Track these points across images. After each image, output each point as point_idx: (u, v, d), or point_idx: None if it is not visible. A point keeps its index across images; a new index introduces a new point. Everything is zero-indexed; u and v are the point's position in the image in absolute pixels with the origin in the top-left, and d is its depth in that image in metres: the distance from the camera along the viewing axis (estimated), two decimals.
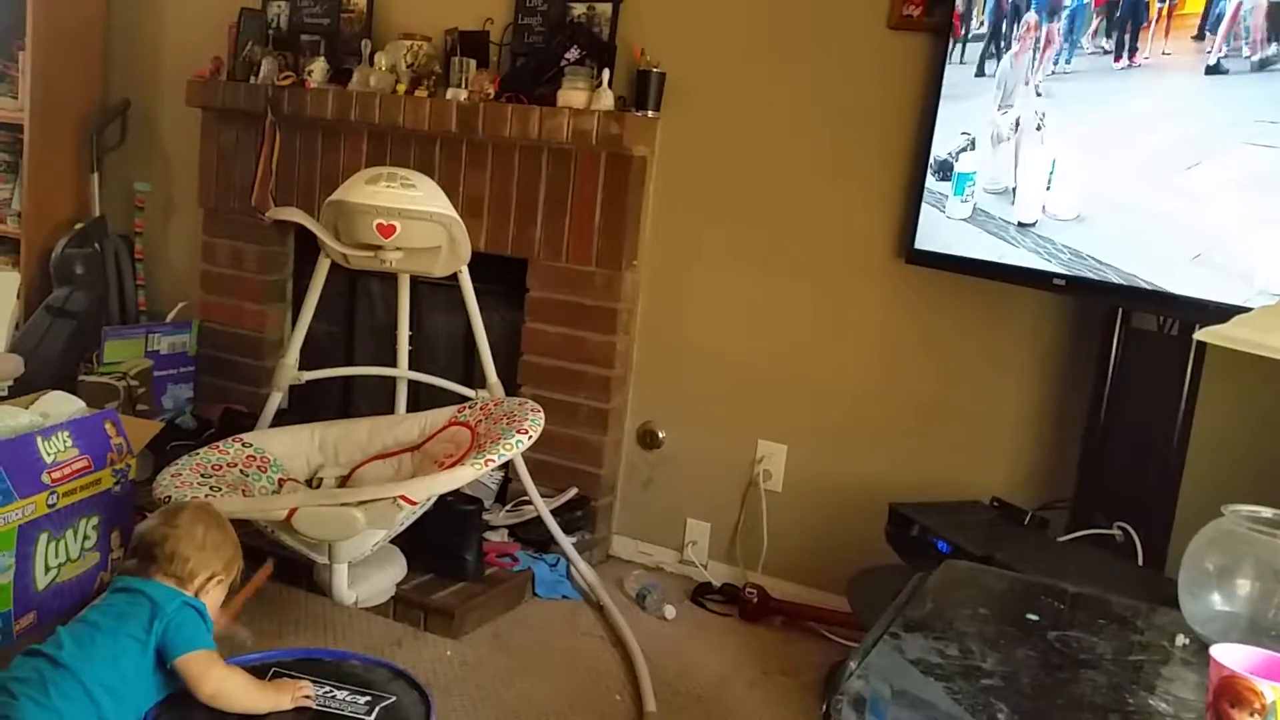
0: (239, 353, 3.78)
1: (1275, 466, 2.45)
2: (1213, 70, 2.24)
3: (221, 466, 2.68)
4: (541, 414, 2.66)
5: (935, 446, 2.88)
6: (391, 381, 3.21)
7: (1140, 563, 2.34)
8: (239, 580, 2.04)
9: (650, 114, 3.07)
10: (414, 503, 2.44)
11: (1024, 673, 1.35)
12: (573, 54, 3.13)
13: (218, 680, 1.82)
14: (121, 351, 3.63)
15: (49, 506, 2.35)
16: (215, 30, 3.73)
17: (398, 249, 2.78)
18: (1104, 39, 2.40)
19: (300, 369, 3.07)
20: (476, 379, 3.11)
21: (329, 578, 2.53)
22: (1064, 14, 2.46)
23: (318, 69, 3.47)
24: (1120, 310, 2.45)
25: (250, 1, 3.71)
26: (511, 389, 3.17)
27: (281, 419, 3.08)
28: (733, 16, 3.05)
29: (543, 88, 3.14)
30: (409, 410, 3.14)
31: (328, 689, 1.91)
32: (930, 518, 2.51)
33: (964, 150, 2.66)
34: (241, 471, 2.71)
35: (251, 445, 2.79)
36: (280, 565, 2.57)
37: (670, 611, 2.92)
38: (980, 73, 2.63)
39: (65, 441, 2.43)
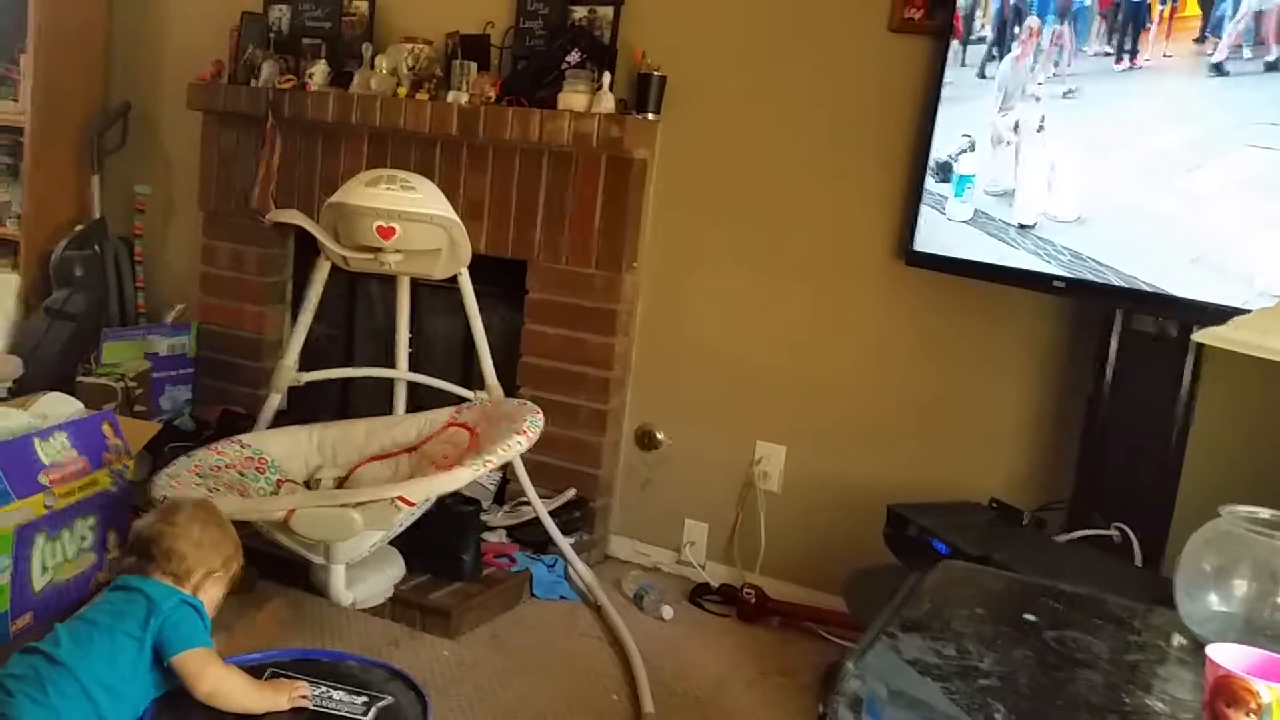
0: (238, 354, 3.78)
1: (1272, 467, 2.45)
2: (1214, 72, 2.24)
3: (219, 468, 2.68)
4: (540, 415, 2.66)
5: (933, 447, 2.88)
6: (390, 383, 3.21)
7: (1137, 563, 2.34)
8: (238, 577, 2.04)
9: (651, 117, 3.07)
10: (412, 504, 2.43)
11: (1021, 673, 1.35)
12: (573, 57, 3.13)
13: (214, 678, 1.82)
14: (120, 353, 3.64)
15: (46, 507, 2.35)
16: (216, 33, 3.74)
17: (397, 251, 2.78)
18: (1105, 41, 2.40)
19: (299, 370, 3.08)
20: (475, 380, 3.11)
21: (327, 578, 2.53)
22: (1067, 16, 2.46)
23: (319, 72, 3.47)
24: (1119, 312, 2.45)
25: (252, 5, 3.71)
26: (510, 390, 3.17)
27: (280, 420, 3.08)
28: (733, 19, 3.05)
29: (543, 91, 3.15)
30: (408, 411, 3.14)
31: (324, 689, 1.91)
32: (928, 518, 2.50)
33: (964, 152, 2.66)
34: (239, 473, 2.71)
35: (249, 446, 2.80)
36: (278, 566, 2.58)
37: (668, 612, 2.92)
38: (981, 75, 2.63)
39: (63, 443, 2.42)
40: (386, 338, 3.30)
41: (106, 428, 2.56)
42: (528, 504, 3.03)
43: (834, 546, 2.94)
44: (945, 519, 2.50)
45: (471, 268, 2.94)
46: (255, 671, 1.92)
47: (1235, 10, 2.20)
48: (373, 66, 3.39)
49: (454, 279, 2.96)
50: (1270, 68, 2.16)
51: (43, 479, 2.35)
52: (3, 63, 4.06)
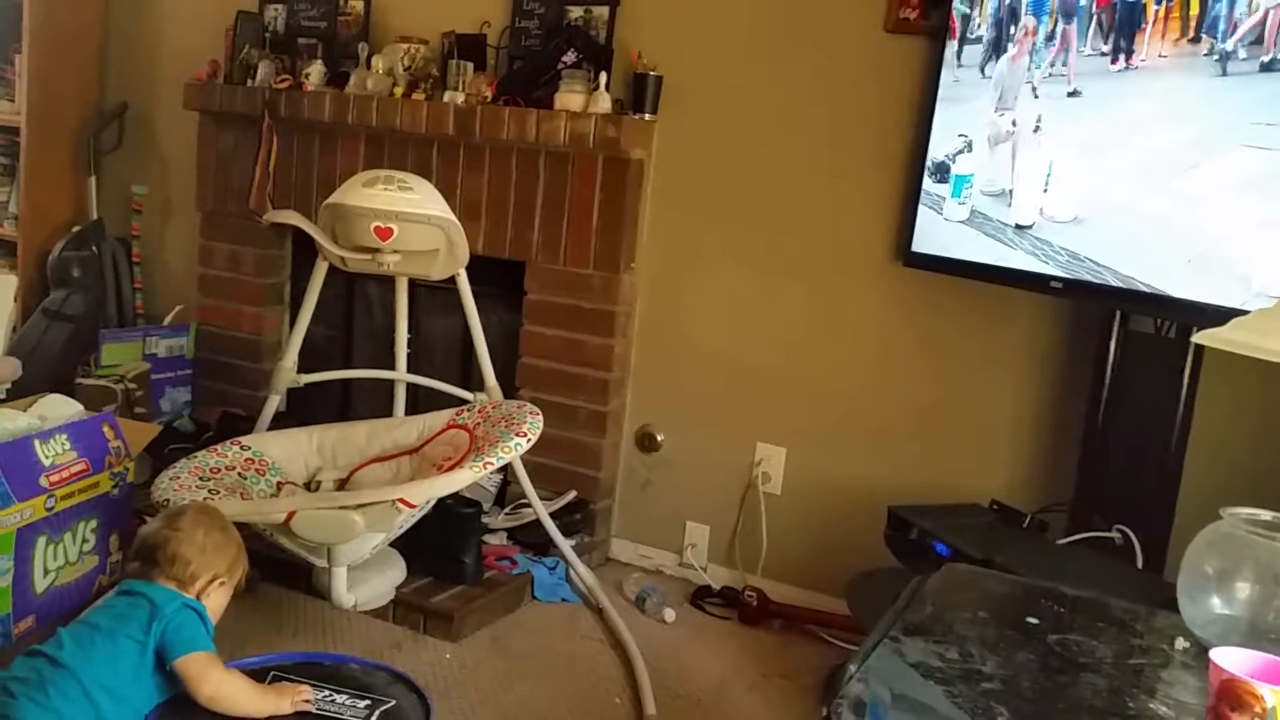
0: (237, 356, 3.78)
1: (1274, 469, 2.45)
2: (1210, 73, 2.25)
3: (220, 470, 2.68)
4: (540, 417, 2.66)
5: (934, 449, 2.88)
6: (390, 384, 3.21)
7: (1139, 566, 2.34)
8: (244, 583, 2.04)
9: (647, 117, 3.07)
10: (413, 506, 2.43)
11: (1024, 676, 1.35)
12: (570, 57, 3.13)
13: (216, 682, 1.81)
14: (119, 354, 3.63)
15: (47, 510, 2.35)
16: (212, 33, 3.73)
17: (395, 252, 2.78)
18: (1101, 41, 2.40)
19: (298, 372, 3.07)
20: (475, 382, 3.11)
21: (328, 581, 2.53)
22: (1074, 15, 2.46)
23: (315, 72, 3.47)
24: (1118, 313, 2.45)
25: (247, 5, 3.70)
26: (510, 392, 3.17)
27: (279, 422, 3.08)
28: (730, 19, 3.05)
29: (540, 90, 3.14)
30: (407, 413, 3.14)
31: (327, 692, 1.91)
32: (929, 521, 2.50)
33: (961, 152, 2.67)
34: (240, 475, 2.70)
35: (250, 448, 2.79)
36: (280, 569, 2.58)
37: (669, 614, 2.92)
38: (978, 75, 2.63)
39: (63, 444, 2.42)
40: (385, 339, 3.30)
41: (107, 429, 2.56)
42: (528, 506, 3.03)
43: (835, 549, 2.94)
44: (946, 521, 2.51)
45: (469, 268, 2.94)
46: (258, 675, 1.92)
47: (1232, 9, 2.20)
48: (369, 66, 3.38)
49: (452, 280, 2.96)
50: (1266, 68, 2.16)
51: (43, 481, 2.35)
52: None
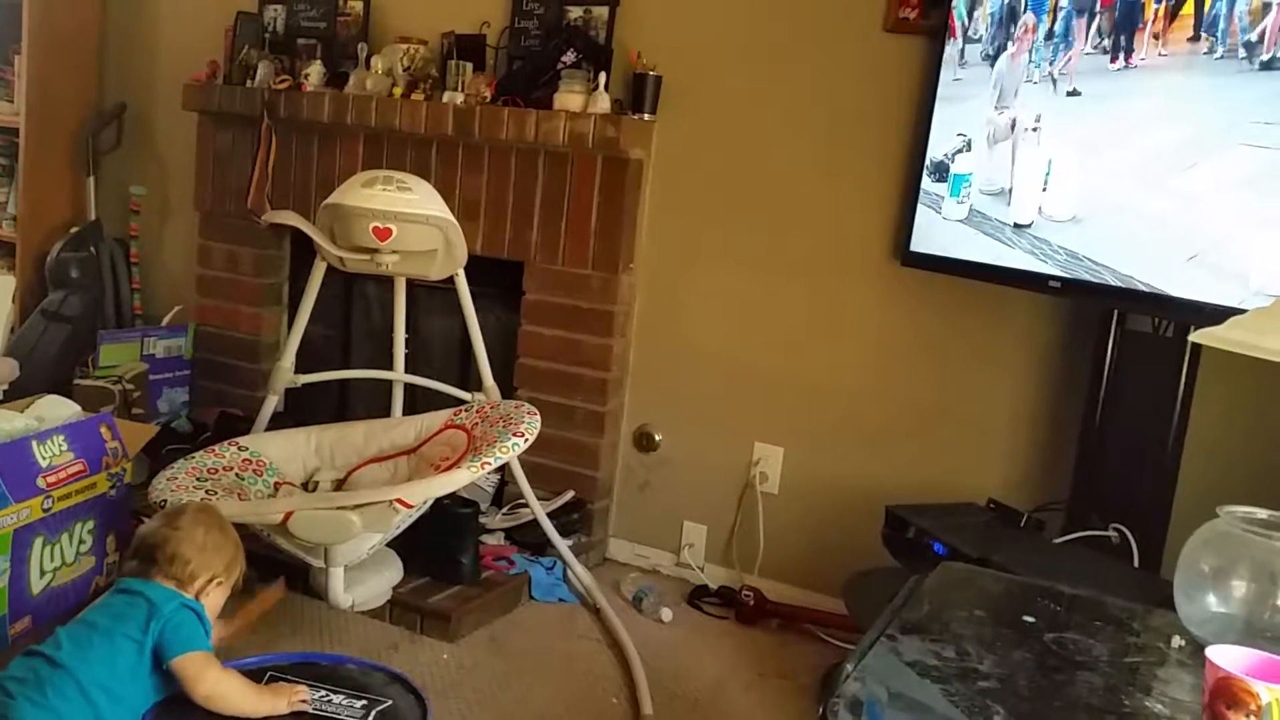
0: (235, 356, 3.78)
1: (1270, 468, 2.45)
2: (1209, 71, 2.25)
3: (217, 470, 2.68)
4: (538, 417, 2.66)
5: (931, 449, 2.88)
6: (388, 385, 3.21)
7: (1136, 564, 2.34)
8: (240, 583, 2.04)
9: (647, 117, 3.07)
10: (410, 506, 2.43)
11: (1020, 675, 1.35)
12: (569, 57, 3.13)
13: (212, 682, 1.82)
14: (117, 355, 3.63)
15: (44, 510, 2.35)
16: (211, 34, 3.73)
17: (394, 252, 2.78)
18: (1100, 40, 2.40)
19: (296, 372, 3.07)
20: (473, 382, 3.11)
21: (325, 581, 2.53)
22: (1062, 14, 2.46)
23: (314, 72, 3.47)
24: (1115, 312, 2.45)
25: (246, 5, 3.70)
26: (508, 392, 3.17)
27: (277, 422, 3.08)
28: (729, 19, 3.05)
29: (539, 91, 3.14)
30: (405, 413, 3.13)
31: (324, 693, 1.91)
32: (926, 520, 2.50)
33: (960, 151, 2.67)
34: (237, 475, 2.70)
35: (247, 449, 2.79)
36: (277, 569, 2.58)
37: (667, 614, 2.92)
38: (976, 74, 2.63)
39: (60, 445, 2.42)
40: (383, 339, 3.30)
41: (104, 430, 2.56)
42: (526, 506, 3.03)
43: (832, 548, 2.94)
44: (943, 520, 2.50)
45: (468, 269, 2.94)
46: (255, 675, 1.92)
47: (1232, 8, 2.20)
48: (368, 67, 3.38)
49: (450, 280, 2.96)
50: (1265, 66, 2.16)
51: (40, 482, 2.35)
52: None
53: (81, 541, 2.47)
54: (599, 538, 3.28)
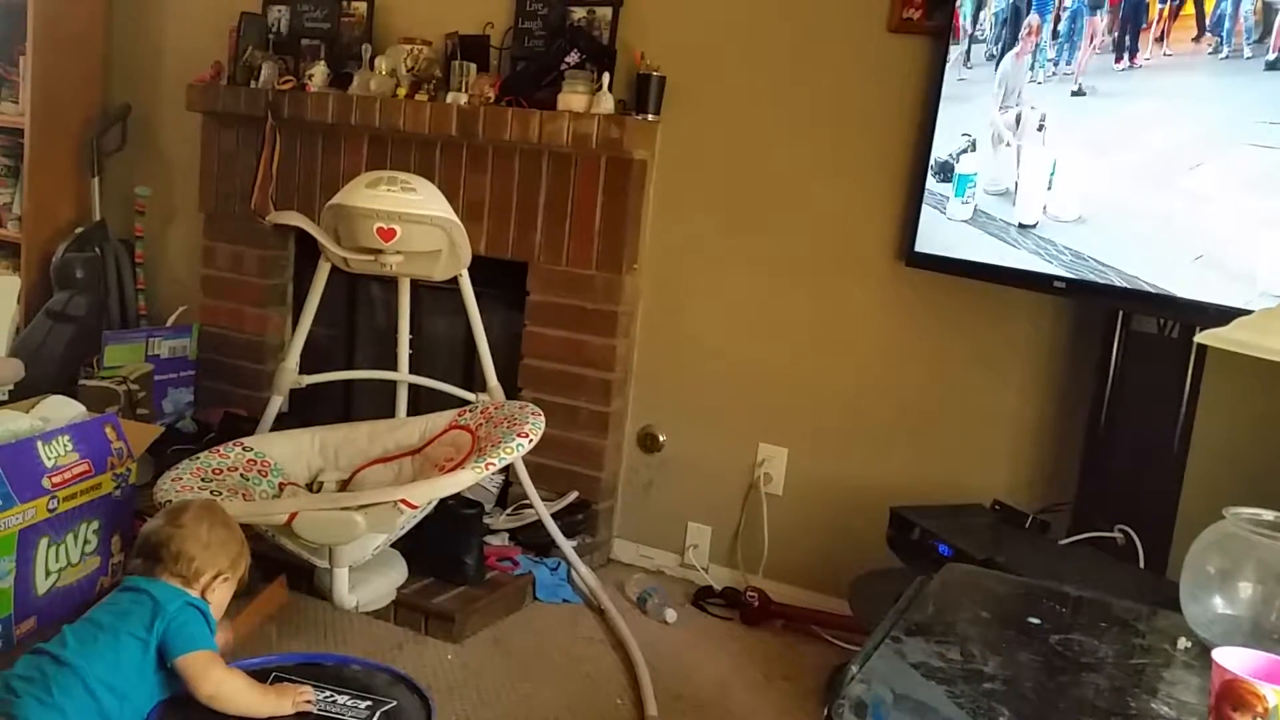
0: (239, 357, 3.78)
1: (1276, 469, 2.44)
2: (1214, 71, 2.24)
3: (222, 471, 2.68)
4: (542, 417, 2.66)
5: (935, 449, 2.87)
6: (392, 385, 3.21)
7: (1141, 566, 2.34)
8: (246, 578, 2.05)
9: (650, 117, 3.07)
10: (414, 506, 2.43)
11: (1026, 676, 1.35)
12: (573, 58, 3.13)
13: (216, 681, 1.82)
14: (122, 356, 3.63)
15: (49, 511, 2.35)
16: (216, 35, 3.74)
17: (398, 253, 2.78)
18: (1105, 39, 2.40)
19: (301, 373, 3.08)
20: (477, 382, 3.11)
21: (330, 582, 2.53)
22: (1067, 14, 2.46)
23: (318, 73, 3.47)
24: (1121, 313, 2.45)
25: (251, 6, 3.71)
26: (512, 392, 3.17)
27: (282, 423, 3.08)
28: (733, 20, 3.05)
29: (543, 91, 3.14)
30: (409, 414, 3.14)
31: (328, 693, 1.91)
32: (931, 521, 2.50)
33: (965, 152, 2.66)
34: (242, 475, 2.71)
35: (252, 449, 2.79)
36: (281, 569, 2.58)
37: (671, 615, 2.92)
38: (981, 74, 2.63)
39: (66, 446, 2.42)
40: (387, 339, 3.30)
41: (109, 431, 2.57)
42: (530, 507, 3.03)
43: (837, 549, 2.94)
44: (948, 521, 2.50)
45: (472, 269, 2.94)
46: (259, 675, 1.92)
47: (1237, 8, 2.20)
48: (372, 67, 3.39)
49: (454, 280, 2.96)
50: (1271, 66, 2.16)
51: (46, 482, 2.35)
52: (2, 65, 4.06)
53: (87, 542, 2.47)
54: (603, 538, 3.28)
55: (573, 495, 3.19)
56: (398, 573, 2.74)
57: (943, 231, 2.71)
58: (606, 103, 3.05)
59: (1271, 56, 2.16)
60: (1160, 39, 2.31)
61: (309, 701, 1.87)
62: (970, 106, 2.65)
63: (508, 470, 3.04)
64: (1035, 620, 1.52)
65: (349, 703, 1.89)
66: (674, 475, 3.23)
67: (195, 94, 3.69)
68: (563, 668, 2.61)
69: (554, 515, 3.03)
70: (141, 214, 4.07)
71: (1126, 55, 2.37)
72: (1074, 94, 2.46)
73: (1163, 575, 2.30)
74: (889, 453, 2.93)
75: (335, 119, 3.40)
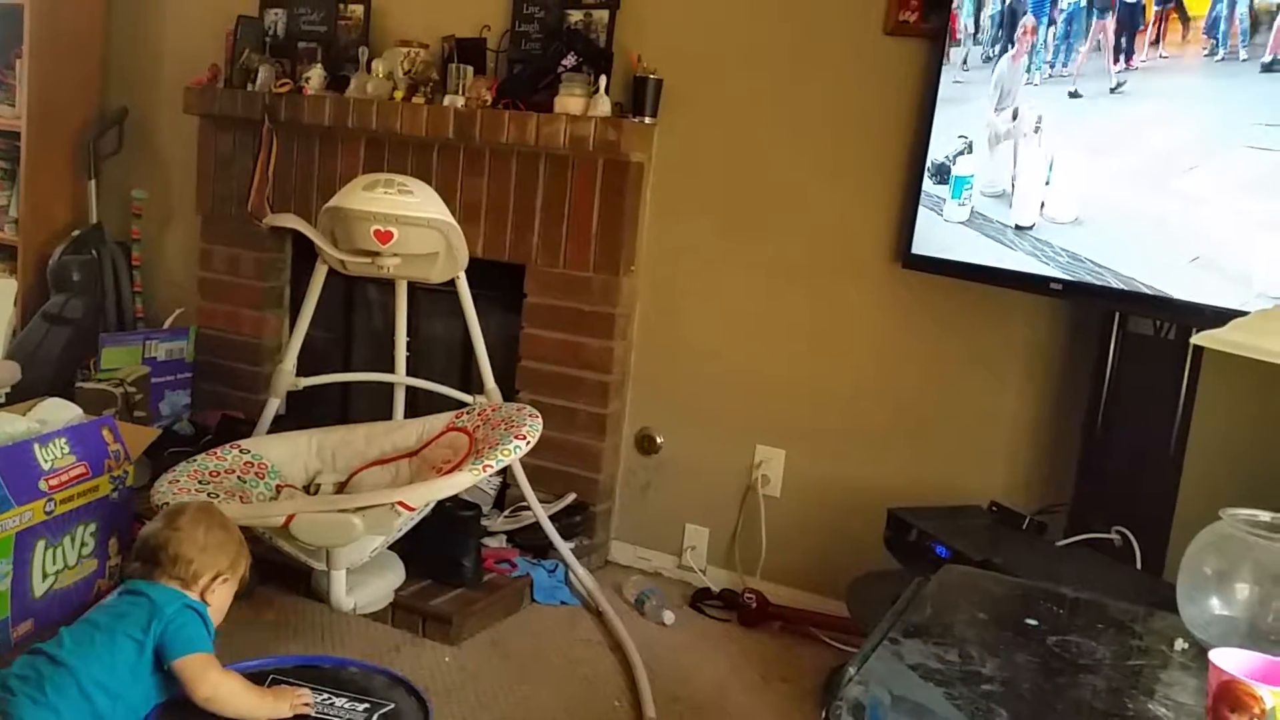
0: (236, 359, 3.78)
1: (1273, 470, 2.45)
2: (1210, 73, 2.25)
3: (219, 473, 2.68)
4: (539, 419, 2.66)
5: (933, 451, 2.88)
6: (389, 387, 3.21)
7: (1139, 567, 2.34)
8: (247, 579, 2.05)
9: (647, 120, 3.07)
10: (412, 509, 2.43)
11: (1023, 678, 1.35)
12: (570, 60, 3.13)
13: (213, 684, 1.82)
14: (119, 358, 3.63)
15: (46, 513, 2.35)
16: (212, 38, 3.74)
17: (395, 255, 2.78)
18: (1103, 41, 2.40)
19: (298, 375, 3.08)
20: (474, 384, 3.11)
21: (327, 584, 2.53)
22: (1061, 17, 2.46)
23: (315, 76, 3.47)
24: (1117, 314, 2.45)
25: (247, 9, 3.71)
26: (509, 394, 3.17)
27: (279, 425, 3.08)
28: (730, 23, 3.05)
29: (540, 94, 3.14)
30: (407, 416, 3.14)
31: (326, 696, 1.91)
32: (928, 522, 2.50)
33: (961, 153, 2.67)
34: (239, 478, 2.70)
35: (249, 451, 2.79)
36: (278, 572, 2.58)
37: (669, 617, 2.92)
38: (977, 76, 2.63)
39: (63, 448, 2.42)
40: (385, 341, 3.30)
41: (106, 433, 2.56)
42: (528, 509, 3.03)
43: (835, 550, 2.94)
44: (946, 523, 2.50)
45: (469, 271, 2.94)
46: (257, 678, 1.92)
47: (1233, 10, 2.20)
48: (369, 70, 3.39)
49: (452, 283, 2.96)
50: (1267, 68, 2.16)
51: (43, 485, 2.35)
52: None
53: (84, 544, 2.47)
54: (601, 540, 3.28)
55: (570, 497, 3.19)
56: (395, 575, 2.74)
57: (939, 233, 2.71)
58: (603, 105, 3.05)
59: (1267, 58, 2.16)
60: (1156, 41, 2.32)
61: (307, 704, 1.87)
62: (967, 108, 2.65)
63: (505, 472, 3.04)
64: (1033, 621, 1.52)
65: (347, 705, 1.89)
66: (672, 477, 3.23)
67: (192, 97, 3.69)
68: (561, 670, 2.61)
69: (552, 517, 3.03)
70: (138, 217, 4.07)
71: (1123, 57, 2.37)
72: (1070, 95, 2.46)
73: (1160, 576, 2.30)
74: (886, 454, 2.93)
75: (332, 122, 3.40)
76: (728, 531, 3.17)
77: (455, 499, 2.77)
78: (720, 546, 3.19)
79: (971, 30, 2.64)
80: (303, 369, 3.09)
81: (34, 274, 3.95)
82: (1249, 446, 2.50)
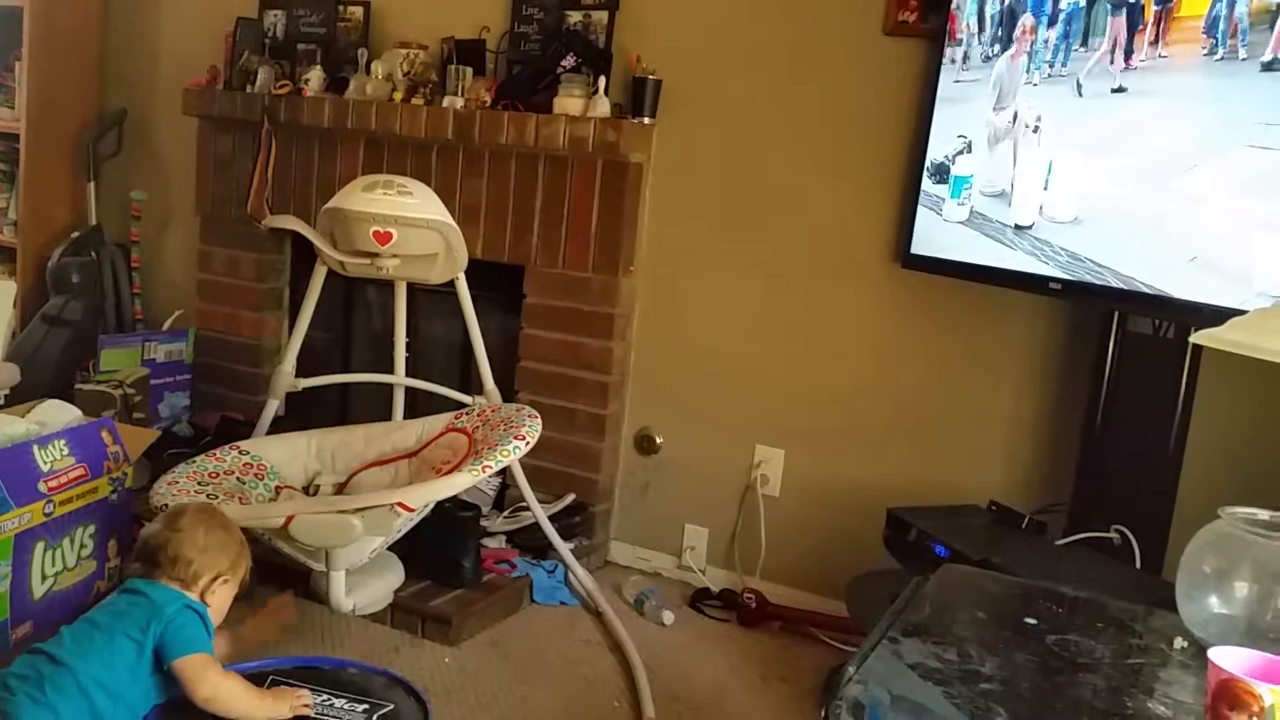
0: (236, 360, 3.78)
1: (1272, 469, 2.45)
2: (1210, 73, 2.25)
3: (218, 474, 2.68)
4: (539, 420, 2.66)
5: (932, 450, 2.88)
6: (389, 388, 3.21)
7: (1138, 566, 2.34)
8: (248, 579, 2.05)
9: (646, 121, 3.07)
10: (411, 509, 2.43)
11: (1022, 677, 1.35)
12: (569, 61, 3.14)
13: (213, 684, 1.82)
14: (118, 360, 3.63)
15: (46, 515, 2.35)
16: (211, 39, 3.74)
17: (394, 256, 2.78)
18: (1102, 41, 2.40)
19: (297, 376, 3.08)
20: (474, 385, 3.11)
21: (326, 585, 2.53)
22: (1061, 16, 2.47)
23: (314, 77, 3.47)
24: (1117, 313, 2.45)
25: (247, 10, 3.71)
26: (509, 395, 3.17)
27: (278, 426, 3.08)
28: (729, 23, 3.05)
29: (539, 95, 3.15)
30: (406, 417, 3.14)
31: (326, 697, 1.91)
32: (928, 522, 2.50)
33: (960, 153, 2.67)
34: (238, 479, 2.70)
35: (248, 453, 2.79)
36: (278, 573, 2.58)
37: (668, 617, 2.92)
38: (976, 76, 2.64)
39: (62, 450, 2.42)
40: (384, 342, 3.30)
41: (105, 435, 2.56)
42: (527, 509, 3.03)
43: (834, 550, 2.94)
44: (945, 522, 2.50)
45: (468, 272, 2.94)
46: (256, 679, 1.92)
47: (1232, 9, 2.20)
48: (368, 72, 3.39)
49: (451, 284, 2.96)
50: (1266, 67, 2.16)
51: (42, 487, 2.34)
52: None
53: (83, 546, 2.47)
54: (600, 541, 3.28)
55: (570, 497, 3.19)
56: (395, 576, 2.74)
57: (939, 233, 2.71)
58: (602, 106, 3.05)
59: (1267, 57, 2.16)
60: (1155, 41, 2.32)
61: (306, 705, 1.88)
62: (966, 108, 2.65)
63: (505, 473, 3.04)
64: (1032, 621, 1.52)
65: (346, 706, 1.89)
66: (671, 477, 3.23)
67: (191, 98, 3.69)
68: (560, 670, 2.61)
69: (551, 518, 3.03)
70: (137, 218, 4.07)
71: (1122, 56, 2.37)
72: (1070, 94, 2.46)
73: (1159, 575, 2.30)
74: (886, 454, 2.93)
75: (331, 123, 3.40)
76: (727, 531, 3.17)
77: (455, 500, 2.77)
78: (720, 546, 3.19)
79: (974, 30, 2.64)
80: (302, 370, 3.09)
81: (33, 276, 3.96)
82: (1248, 445, 2.50)
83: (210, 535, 1.97)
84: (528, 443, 2.56)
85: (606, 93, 3.06)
